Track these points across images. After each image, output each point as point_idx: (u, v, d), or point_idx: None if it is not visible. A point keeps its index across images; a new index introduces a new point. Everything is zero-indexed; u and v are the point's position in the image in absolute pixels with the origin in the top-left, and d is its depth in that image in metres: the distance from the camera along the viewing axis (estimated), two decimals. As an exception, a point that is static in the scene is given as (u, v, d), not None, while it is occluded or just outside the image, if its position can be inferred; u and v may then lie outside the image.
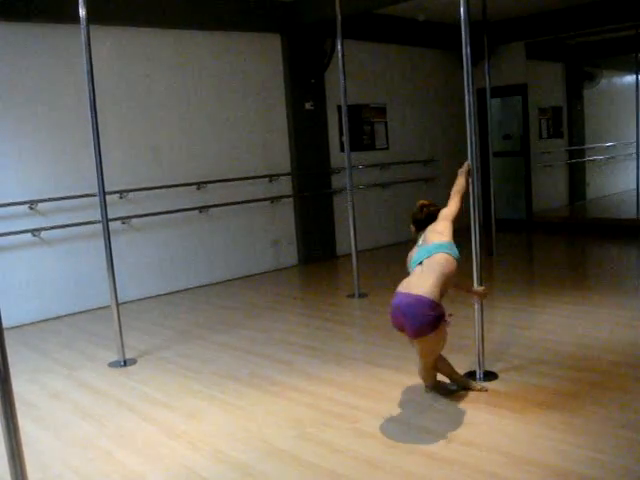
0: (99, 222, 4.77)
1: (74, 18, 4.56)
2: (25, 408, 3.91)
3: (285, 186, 8.11)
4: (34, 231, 6.11)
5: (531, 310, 5.51)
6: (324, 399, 3.83)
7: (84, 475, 3.14)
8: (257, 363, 4.58)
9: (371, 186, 8.93)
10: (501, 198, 8.55)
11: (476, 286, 3.82)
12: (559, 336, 4.69)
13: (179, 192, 7.10)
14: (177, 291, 7.13)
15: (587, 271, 7.50)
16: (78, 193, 6.27)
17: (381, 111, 9.12)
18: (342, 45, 6.12)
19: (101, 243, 4.75)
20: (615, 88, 12.24)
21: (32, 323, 6.11)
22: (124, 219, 6.67)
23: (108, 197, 4.85)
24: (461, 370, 3.90)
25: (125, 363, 4.73)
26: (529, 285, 6.72)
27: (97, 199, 4.70)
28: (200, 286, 7.31)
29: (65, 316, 6.32)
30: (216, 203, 7.37)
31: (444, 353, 3.65)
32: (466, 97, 3.79)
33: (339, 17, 6.08)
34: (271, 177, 7.90)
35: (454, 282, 3.48)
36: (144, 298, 6.86)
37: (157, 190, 6.89)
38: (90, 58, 4.51)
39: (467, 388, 3.75)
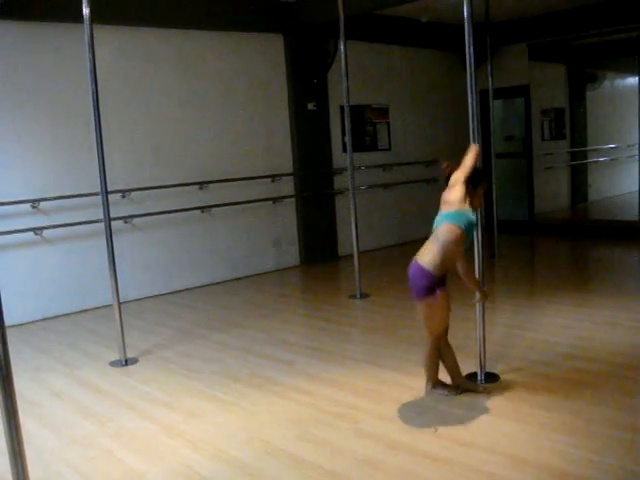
0: (101, 221, 4.78)
1: (76, 17, 4.57)
2: (26, 406, 3.91)
3: (287, 186, 8.12)
4: (36, 230, 6.11)
5: (532, 312, 5.51)
6: (325, 399, 3.83)
7: (85, 474, 3.15)
8: (258, 363, 4.59)
9: (373, 187, 8.93)
10: (503, 200, 8.53)
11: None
12: (560, 338, 4.69)
13: (181, 192, 7.10)
14: (179, 291, 7.13)
15: (588, 273, 7.49)
16: (80, 192, 6.28)
17: (383, 112, 9.12)
18: (345, 46, 6.12)
19: (103, 242, 4.76)
20: (618, 90, 12.24)
21: (34, 322, 6.12)
22: (126, 218, 6.68)
23: (110, 196, 4.86)
24: (462, 371, 3.89)
25: (126, 362, 4.74)
26: (530, 287, 6.72)
27: (99, 198, 4.71)
28: (202, 286, 7.31)
29: (67, 315, 6.32)
30: (218, 203, 7.38)
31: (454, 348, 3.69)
32: (469, 98, 3.79)
33: (342, 18, 6.08)
34: (273, 177, 7.90)
35: (460, 257, 3.50)
36: (146, 297, 6.86)
37: (159, 190, 6.90)
38: (93, 57, 4.51)
39: (468, 390, 3.75)
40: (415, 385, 3.88)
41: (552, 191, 10.84)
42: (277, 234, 8.07)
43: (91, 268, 6.40)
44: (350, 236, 6.45)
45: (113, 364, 4.75)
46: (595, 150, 11.36)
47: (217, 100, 7.41)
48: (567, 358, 4.25)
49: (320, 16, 7.48)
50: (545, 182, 10.41)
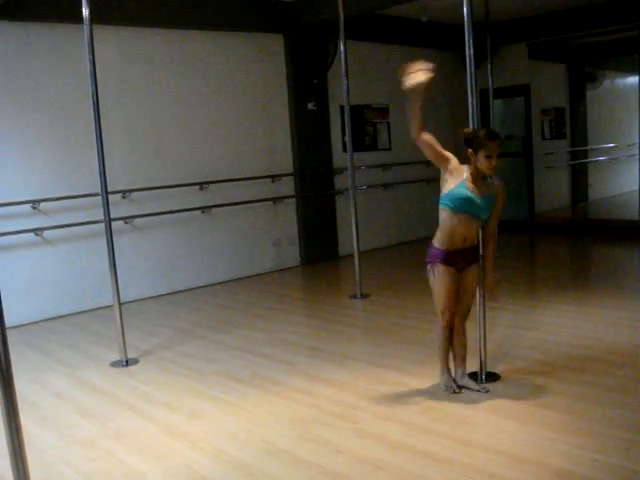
0: (101, 222, 4.79)
1: (76, 18, 4.57)
2: (27, 407, 3.91)
3: (287, 186, 8.12)
4: (36, 230, 6.12)
5: (533, 311, 5.51)
6: (325, 399, 3.83)
7: (86, 474, 3.14)
8: (258, 363, 4.59)
9: (373, 187, 8.93)
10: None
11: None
12: (561, 337, 4.69)
13: (181, 192, 7.10)
14: (179, 291, 7.13)
15: (589, 272, 7.49)
16: (80, 193, 6.28)
17: (383, 111, 9.12)
18: (345, 45, 6.12)
19: (103, 243, 4.76)
20: (618, 89, 12.25)
21: (34, 322, 6.12)
22: (126, 219, 6.68)
23: (111, 197, 4.86)
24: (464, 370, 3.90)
25: (127, 363, 4.74)
26: (531, 286, 6.72)
27: (100, 199, 4.71)
28: (202, 286, 7.31)
29: (67, 316, 6.32)
30: (218, 203, 7.38)
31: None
32: (469, 98, 3.80)
33: (342, 17, 6.08)
34: (273, 177, 7.90)
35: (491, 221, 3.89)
36: (146, 298, 6.86)
37: (159, 190, 6.90)
38: (93, 58, 4.52)
39: (457, 386, 3.77)
40: (415, 385, 3.88)
41: (552, 190, 10.84)
42: (277, 234, 8.07)
43: (92, 269, 6.40)
44: (350, 236, 6.45)
45: (114, 365, 4.75)
46: (595, 149, 11.36)
47: (217, 100, 7.41)
48: (568, 358, 4.25)
49: (320, 16, 7.48)
50: (545, 181, 10.40)
